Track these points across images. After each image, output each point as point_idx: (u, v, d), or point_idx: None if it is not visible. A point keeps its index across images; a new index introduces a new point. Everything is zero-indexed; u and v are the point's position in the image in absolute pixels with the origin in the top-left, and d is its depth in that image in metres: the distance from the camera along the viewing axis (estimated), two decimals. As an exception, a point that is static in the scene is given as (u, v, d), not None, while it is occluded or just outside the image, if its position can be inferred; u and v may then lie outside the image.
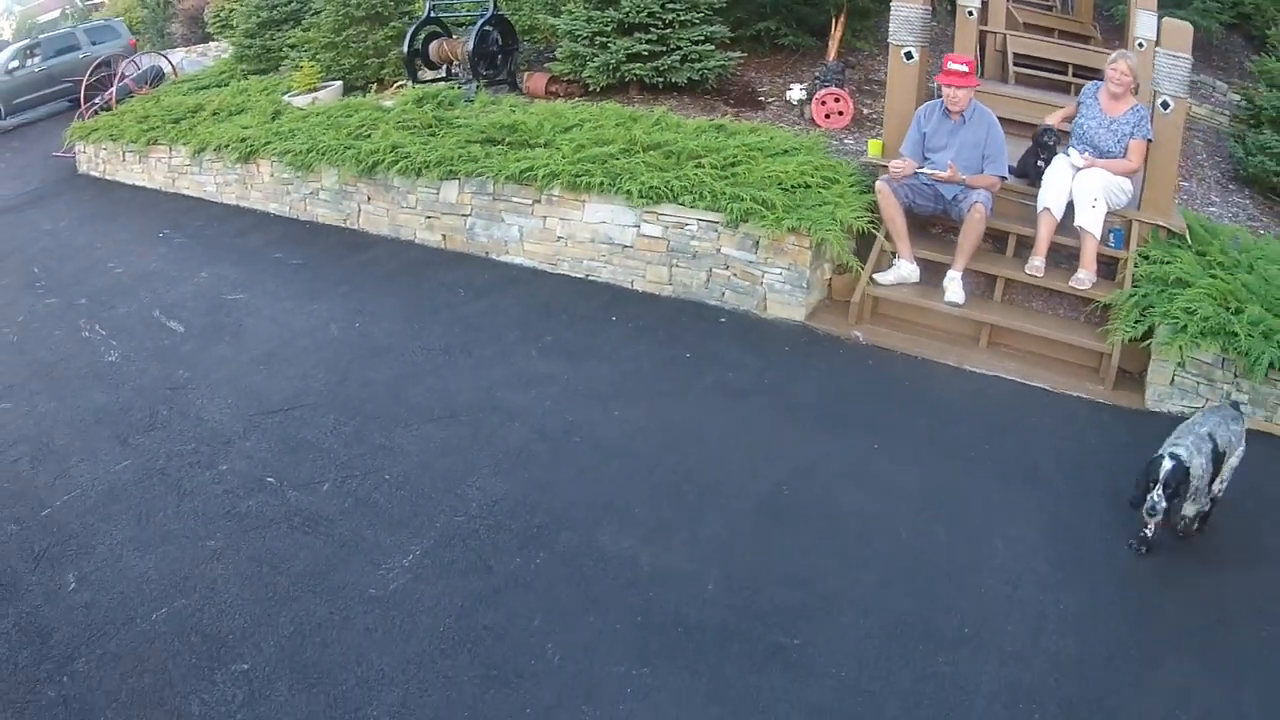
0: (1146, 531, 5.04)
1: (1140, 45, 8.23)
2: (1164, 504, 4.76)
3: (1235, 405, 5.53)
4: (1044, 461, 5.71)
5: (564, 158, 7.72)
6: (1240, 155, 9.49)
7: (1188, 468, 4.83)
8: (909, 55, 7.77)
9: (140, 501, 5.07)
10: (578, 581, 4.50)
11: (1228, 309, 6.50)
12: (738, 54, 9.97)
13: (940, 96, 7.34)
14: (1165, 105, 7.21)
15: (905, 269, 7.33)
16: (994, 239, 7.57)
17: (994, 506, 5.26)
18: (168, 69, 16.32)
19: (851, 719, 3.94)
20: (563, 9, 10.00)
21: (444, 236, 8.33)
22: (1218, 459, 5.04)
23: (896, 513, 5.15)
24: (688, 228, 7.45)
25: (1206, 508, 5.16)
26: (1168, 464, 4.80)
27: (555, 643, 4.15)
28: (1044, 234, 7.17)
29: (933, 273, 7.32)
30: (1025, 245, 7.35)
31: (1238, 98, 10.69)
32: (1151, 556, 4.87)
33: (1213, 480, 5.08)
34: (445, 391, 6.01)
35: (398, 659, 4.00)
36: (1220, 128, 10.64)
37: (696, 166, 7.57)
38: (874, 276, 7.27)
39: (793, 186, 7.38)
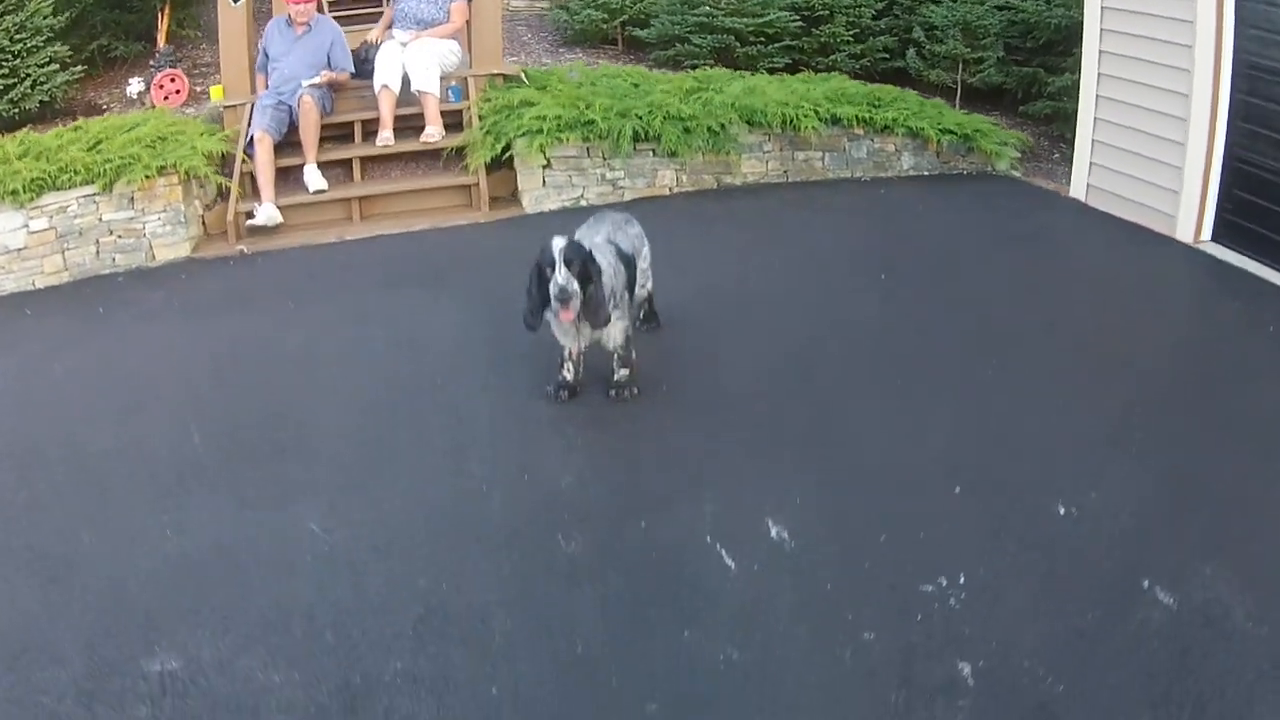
0: (564, 374, 4.43)
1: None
2: (574, 285, 3.83)
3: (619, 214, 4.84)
4: (449, 272, 6.18)
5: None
6: (566, 19, 9.83)
7: (589, 248, 4.03)
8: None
9: None
10: (99, 493, 4.15)
11: (579, 109, 6.86)
12: (79, 69, 9.17)
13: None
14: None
15: (270, 211, 7.08)
16: (343, 135, 7.68)
17: (417, 312, 5.64)
18: None
19: (368, 474, 4.09)
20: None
21: None
22: (628, 261, 4.39)
23: (328, 350, 5.31)
24: (70, 209, 6.90)
25: (637, 321, 4.67)
26: (558, 240, 3.92)
27: (89, 530, 3.86)
28: (386, 109, 7.32)
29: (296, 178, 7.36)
30: (373, 129, 7.52)
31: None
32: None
33: (632, 287, 4.43)
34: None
35: None
36: (542, 13, 10.95)
37: (64, 153, 6.99)
38: (248, 224, 7.07)
39: (153, 142, 7.09)
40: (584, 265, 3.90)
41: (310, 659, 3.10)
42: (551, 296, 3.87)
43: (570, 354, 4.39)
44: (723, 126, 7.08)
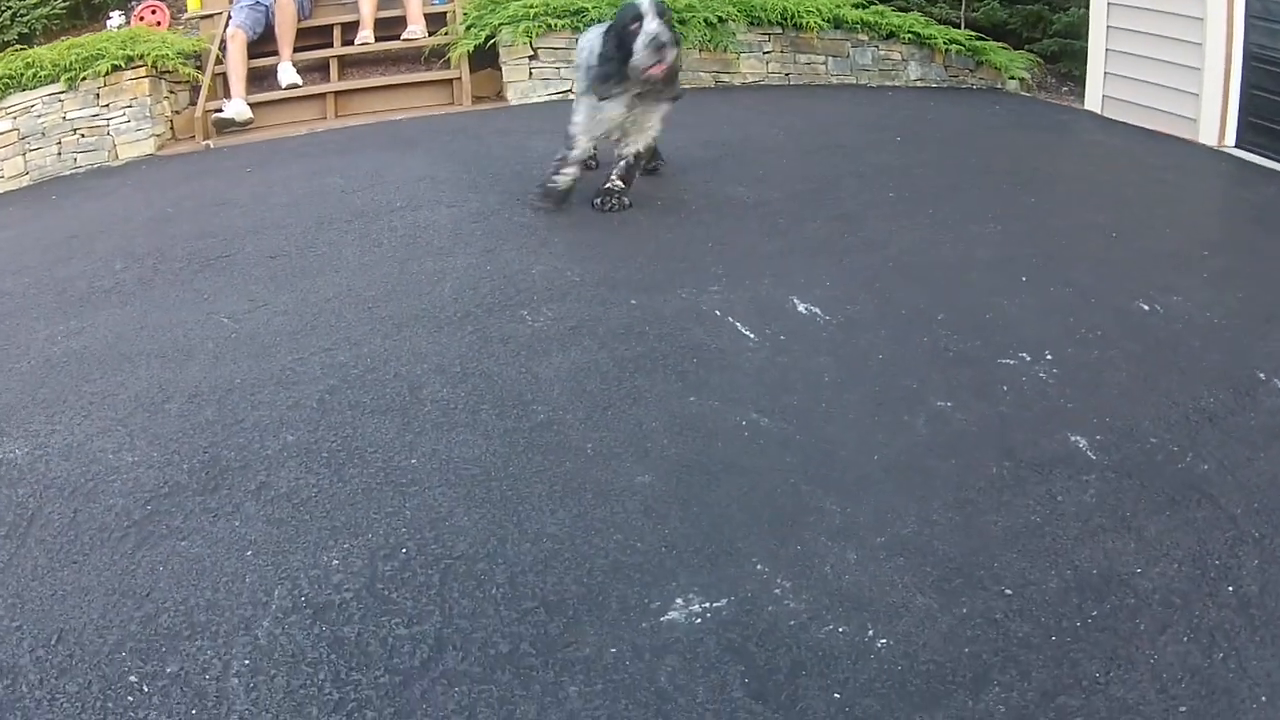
0: (559, 178, 3.55)
1: None
2: (669, 34, 3.16)
3: None
4: (421, 140, 5.26)
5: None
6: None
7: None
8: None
9: None
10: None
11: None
12: (62, 5, 8.40)
13: None
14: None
15: (240, 106, 6.26)
16: (323, 45, 6.79)
17: (382, 167, 4.72)
18: None
19: (301, 277, 3.23)
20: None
21: None
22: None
23: (280, 198, 4.40)
24: (34, 109, 6.18)
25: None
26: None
27: None
28: (367, 9, 6.53)
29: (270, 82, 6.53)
30: (352, 36, 6.65)
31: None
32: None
33: None
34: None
35: None
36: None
37: (32, 53, 6.34)
38: (215, 117, 6.20)
39: (124, 41, 6.34)
40: (671, 24, 3.21)
41: (179, 437, 2.23)
42: (641, 48, 3.11)
43: (573, 156, 3.48)
44: (720, 19, 6.20)
